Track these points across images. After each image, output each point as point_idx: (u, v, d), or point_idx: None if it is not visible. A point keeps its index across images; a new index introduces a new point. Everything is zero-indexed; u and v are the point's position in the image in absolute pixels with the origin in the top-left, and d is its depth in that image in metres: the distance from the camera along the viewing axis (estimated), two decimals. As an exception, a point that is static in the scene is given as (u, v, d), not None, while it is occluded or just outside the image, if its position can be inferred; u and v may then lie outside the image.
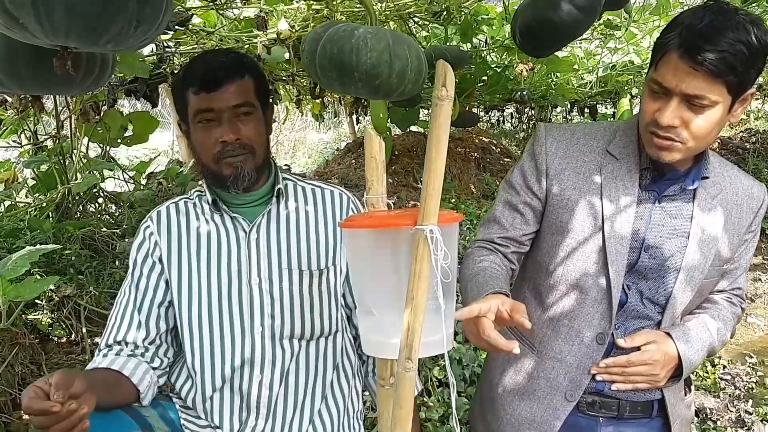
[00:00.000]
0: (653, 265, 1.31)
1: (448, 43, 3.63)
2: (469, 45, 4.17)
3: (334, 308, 1.45)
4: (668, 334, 1.30)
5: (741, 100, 1.18)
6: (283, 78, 4.92)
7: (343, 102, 7.46)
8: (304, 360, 1.43)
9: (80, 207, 2.70)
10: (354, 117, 8.30)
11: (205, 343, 1.38)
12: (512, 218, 1.40)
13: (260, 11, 2.10)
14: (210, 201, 1.40)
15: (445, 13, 2.76)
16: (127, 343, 1.36)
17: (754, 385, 3.22)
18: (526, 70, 3.96)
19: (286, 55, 2.41)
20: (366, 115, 8.36)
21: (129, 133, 2.92)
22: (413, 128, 6.22)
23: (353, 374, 1.54)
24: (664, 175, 1.30)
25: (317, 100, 6.39)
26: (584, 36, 4.77)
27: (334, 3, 1.89)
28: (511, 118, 10.09)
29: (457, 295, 1.21)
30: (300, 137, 12.17)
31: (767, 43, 1.12)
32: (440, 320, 0.90)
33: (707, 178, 1.31)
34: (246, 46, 2.48)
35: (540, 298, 1.40)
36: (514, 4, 3.50)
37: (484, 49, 4.41)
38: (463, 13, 3.29)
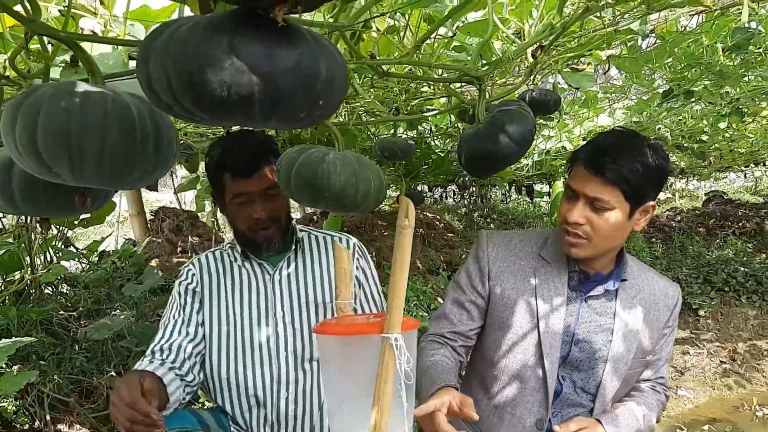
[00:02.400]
0: (583, 357, 1.48)
1: (397, 134, 3.87)
2: (414, 132, 4.44)
3: None
4: (599, 420, 1.45)
5: (642, 211, 1.41)
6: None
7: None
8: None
9: (38, 289, 2.72)
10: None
11: (239, 367, 1.64)
12: (460, 315, 1.57)
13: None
14: (240, 251, 1.72)
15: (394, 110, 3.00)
16: (175, 349, 1.59)
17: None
18: (469, 157, 4.23)
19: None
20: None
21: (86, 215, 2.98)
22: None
23: None
24: (589, 277, 1.50)
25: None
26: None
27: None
28: (454, 194, 10.45)
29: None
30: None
31: (663, 164, 1.37)
32: (403, 416, 1.03)
33: (626, 280, 1.51)
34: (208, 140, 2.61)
35: (486, 388, 1.56)
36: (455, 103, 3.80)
37: (428, 135, 4.70)
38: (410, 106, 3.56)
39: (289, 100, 0.63)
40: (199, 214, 4.84)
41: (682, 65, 3.31)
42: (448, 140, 4.82)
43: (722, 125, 5.39)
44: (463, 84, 1.56)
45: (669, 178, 1.45)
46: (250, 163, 1.59)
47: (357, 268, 1.76)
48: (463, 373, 1.66)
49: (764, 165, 8.79)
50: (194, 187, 6.16)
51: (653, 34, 2.66)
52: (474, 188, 9.30)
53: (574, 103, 4.53)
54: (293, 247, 1.75)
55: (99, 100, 0.77)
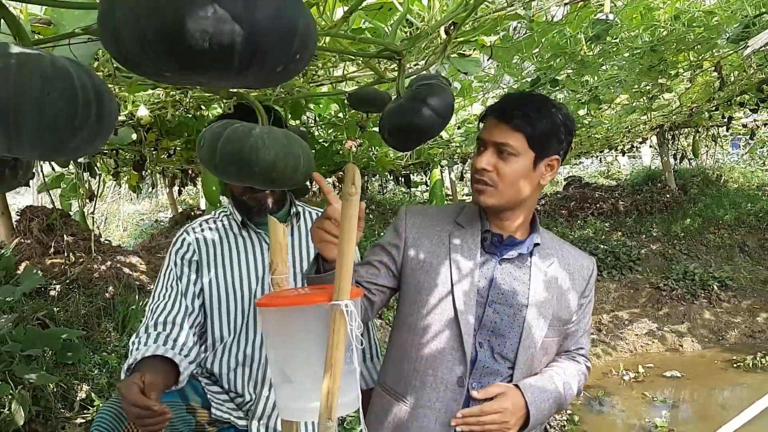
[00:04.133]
0: (498, 320, 1.53)
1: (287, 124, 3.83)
2: (297, 122, 4.42)
3: None
4: (517, 386, 1.51)
5: (547, 165, 1.51)
6: (104, 152, 4.78)
7: (164, 174, 7.30)
8: None
9: None
10: (175, 189, 8.11)
11: (234, 327, 1.71)
12: (366, 269, 1.59)
13: (117, 97, 2.13)
14: (239, 220, 1.77)
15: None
16: (171, 322, 1.65)
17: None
18: (354, 146, 4.27)
19: (134, 136, 2.44)
20: (186, 186, 8.26)
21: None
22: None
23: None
24: (503, 241, 1.57)
25: (136, 172, 6.22)
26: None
27: (193, 92, 2.00)
28: (334, 187, 10.49)
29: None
30: (113, 209, 11.52)
31: (567, 122, 1.49)
32: (354, 381, 1.04)
33: (539, 244, 1.59)
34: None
35: (408, 354, 1.59)
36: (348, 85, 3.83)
37: (312, 125, 4.68)
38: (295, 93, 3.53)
39: (268, 52, 0.62)
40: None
41: (549, 55, 3.53)
42: (331, 130, 4.83)
43: (582, 112, 5.84)
44: (380, 60, 1.58)
45: (572, 140, 1.55)
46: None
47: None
48: (389, 342, 1.69)
49: (616, 150, 9.63)
50: (58, 186, 5.74)
51: (525, 23, 2.83)
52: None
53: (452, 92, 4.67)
54: (291, 218, 1.82)
55: (37, 62, 0.72)
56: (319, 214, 1.81)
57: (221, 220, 1.82)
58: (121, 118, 2.43)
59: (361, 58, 1.49)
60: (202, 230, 1.79)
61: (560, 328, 1.60)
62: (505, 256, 1.57)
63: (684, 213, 9.21)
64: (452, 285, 1.53)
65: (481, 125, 1.54)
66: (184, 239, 1.76)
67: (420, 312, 1.57)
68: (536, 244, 1.60)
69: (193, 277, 1.72)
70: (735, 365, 5.79)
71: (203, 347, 1.76)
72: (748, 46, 3.09)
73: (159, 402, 1.34)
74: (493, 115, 1.48)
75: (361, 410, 1.04)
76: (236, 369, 1.73)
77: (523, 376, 1.55)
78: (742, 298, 7.13)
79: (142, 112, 1.96)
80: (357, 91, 2.82)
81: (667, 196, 9.76)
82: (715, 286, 7.22)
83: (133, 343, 1.62)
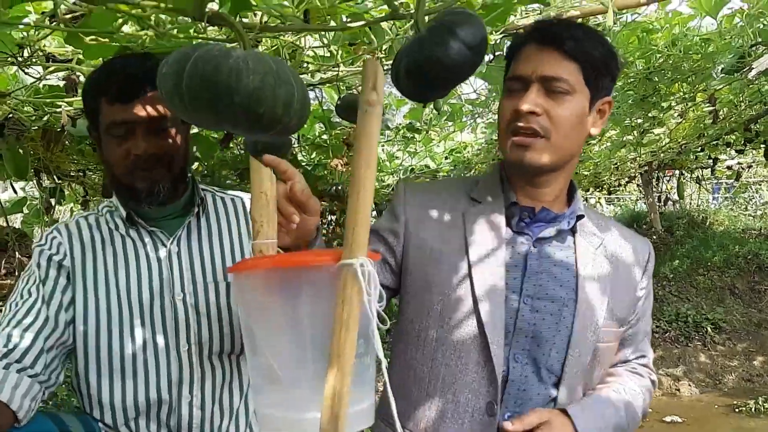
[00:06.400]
0: (538, 321, 1.17)
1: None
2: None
3: None
4: (564, 411, 1.15)
5: (598, 109, 1.19)
6: (71, 174, 4.44)
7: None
8: (238, 378, 1.37)
9: None
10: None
11: (127, 366, 1.27)
12: None
13: (71, 72, 1.81)
14: (124, 216, 1.33)
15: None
16: (25, 338, 1.18)
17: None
18: (341, 165, 3.99)
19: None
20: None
21: None
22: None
23: None
24: (535, 216, 1.22)
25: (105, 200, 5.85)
26: (387, 138, 5.01)
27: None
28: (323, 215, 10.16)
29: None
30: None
31: (615, 55, 1.16)
32: (370, 382, 0.71)
33: (582, 217, 1.25)
34: (45, 117, 2.13)
35: (417, 374, 1.23)
36: (331, 100, 3.56)
37: (295, 146, 4.42)
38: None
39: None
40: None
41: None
42: (315, 152, 4.55)
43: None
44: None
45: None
46: (133, 85, 1.23)
47: None
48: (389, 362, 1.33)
49: (601, 189, 9.46)
50: (20, 210, 5.34)
51: None
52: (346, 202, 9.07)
53: (442, 116, 4.47)
54: (194, 209, 1.38)
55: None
56: (235, 200, 1.46)
57: (105, 216, 1.38)
58: (79, 105, 2.11)
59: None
60: (79, 229, 1.35)
61: (617, 330, 1.25)
62: (540, 235, 1.21)
63: (672, 254, 9.03)
64: (472, 279, 1.18)
65: (514, 58, 1.20)
66: (53, 238, 1.33)
67: (430, 317, 1.21)
68: (579, 217, 1.24)
69: (62, 282, 1.29)
70: (736, 410, 5.50)
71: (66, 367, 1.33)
72: (753, 68, 2.94)
73: None
74: (535, 41, 1.15)
75: None
76: (136, 419, 1.29)
77: (571, 397, 1.19)
78: (737, 341, 6.89)
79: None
80: (345, 98, 2.55)
81: (654, 237, 9.59)
82: (708, 329, 6.97)
83: None
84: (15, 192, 5.10)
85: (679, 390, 6.19)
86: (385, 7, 1.09)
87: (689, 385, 6.22)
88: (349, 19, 1.60)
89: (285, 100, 0.93)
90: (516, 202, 1.23)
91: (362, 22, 1.17)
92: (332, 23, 1.61)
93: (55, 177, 3.98)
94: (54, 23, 1.44)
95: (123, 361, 1.27)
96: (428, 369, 1.21)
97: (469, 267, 1.18)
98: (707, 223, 10.47)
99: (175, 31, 1.42)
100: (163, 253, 1.34)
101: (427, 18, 1.14)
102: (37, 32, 1.56)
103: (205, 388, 1.32)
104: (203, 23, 0.99)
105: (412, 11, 1.11)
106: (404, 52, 1.10)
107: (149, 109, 1.25)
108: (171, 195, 1.33)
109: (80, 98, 2.07)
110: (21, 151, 2.53)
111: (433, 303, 1.21)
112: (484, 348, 1.16)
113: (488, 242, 1.21)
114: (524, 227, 1.23)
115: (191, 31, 1.31)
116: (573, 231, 1.25)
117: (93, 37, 1.45)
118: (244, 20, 1.24)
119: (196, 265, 1.35)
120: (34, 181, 4.04)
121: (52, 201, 4.12)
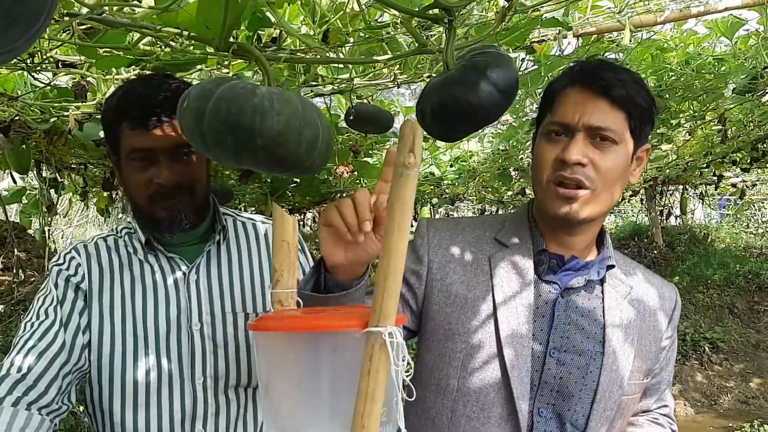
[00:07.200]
0: (564, 374, 1.13)
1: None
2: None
3: None
4: None
5: (637, 157, 1.14)
6: (72, 166, 4.39)
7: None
8: (252, 410, 1.31)
9: None
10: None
11: (140, 396, 1.23)
12: None
13: (81, 78, 1.79)
14: (143, 241, 1.28)
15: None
16: (35, 363, 1.14)
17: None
18: (347, 173, 3.96)
19: (102, 134, 2.08)
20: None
21: None
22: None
23: None
24: (564, 264, 1.17)
25: (106, 194, 5.79)
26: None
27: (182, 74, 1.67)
28: (313, 221, 10.12)
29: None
30: (79, 233, 10.98)
31: (654, 100, 1.11)
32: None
33: (613, 267, 1.20)
34: (53, 120, 2.10)
35: (435, 425, 1.18)
36: (339, 106, 3.53)
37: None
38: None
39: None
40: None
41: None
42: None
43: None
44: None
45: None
46: (155, 110, 1.18)
47: (300, 251, 1.35)
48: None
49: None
50: (18, 200, 5.30)
51: (529, 59, 2.55)
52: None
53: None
54: (216, 237, 1.33)
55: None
56: (257, 225, 1.41)
57: (123, 238, 1.33)
58: (88, 110, 2.08)
59: (400, 18, 1.17)
60: (97, 250, 1.30)
61: (641, 382, 1.20)
62: (569, 285, 1.16)
63: (672, 270, 9.01)
64: (497, 328, 1.13)
65: (555, 103, 1.12)
66: (72, 258, 1.29)
67: (452, 367, 1.16)
68: (609, 267, 1.20)
69: (80, 304, 1.24)
70: (732, 432, 5.48)
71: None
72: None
73: None
74: (579, 84, 1.08)
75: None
76: None
77: None
78: (734, 362, 6.87)
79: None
80: (357, 109, 2.51)
81: (654, 252, 9.57)
82: (706, 348, 6.96)
83: None
84: (14, 182, 5.07)
85: (674, 410, 6.17)
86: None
87: (685, 404, 6.20)
88: (366, 36, 1.59)
89: (309, 142, 0.90)
90: (545, 249, 1.18)
91: (389, 56, 1.13)
92: (350, 40, 1.59)
93: (55, 168, 3.94)
94: (67, 33, 1.42)
95: (136, 390, 1.23)
96: (448, 420, 1.16)
97: (495, 315, 1.14)
98: (709, 240, 10.45)
99: (191, 47, 1.40)
100: (181, 281, 1.29)
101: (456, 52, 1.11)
102: (50, 43, 1.54)
103: (219, 422, 1.27)
104: (228, 54, 0.96)
105: (441, 47, 1.08)
106: (430, 91, 1.07)
107: (172, 135, 1.20)
108: (192, 223, 1.28)
109: (88, 103, 2.06)
110: (24, 146, 2.50)
111: (455, 352, 1.16)
112: (508, 401, 1.12)
113: (515, 289, 1.16)
114: (552, 276, 1.18)
115: (207, 47, 1.28)
116: (602, 280, 1.20)
117: (107, 49, 1.43)
118: (268, 49, 1.21)
119: (214, 295, 1.30)
120: (34, 172, 4.00)
121: (54, 199, 4.09)
